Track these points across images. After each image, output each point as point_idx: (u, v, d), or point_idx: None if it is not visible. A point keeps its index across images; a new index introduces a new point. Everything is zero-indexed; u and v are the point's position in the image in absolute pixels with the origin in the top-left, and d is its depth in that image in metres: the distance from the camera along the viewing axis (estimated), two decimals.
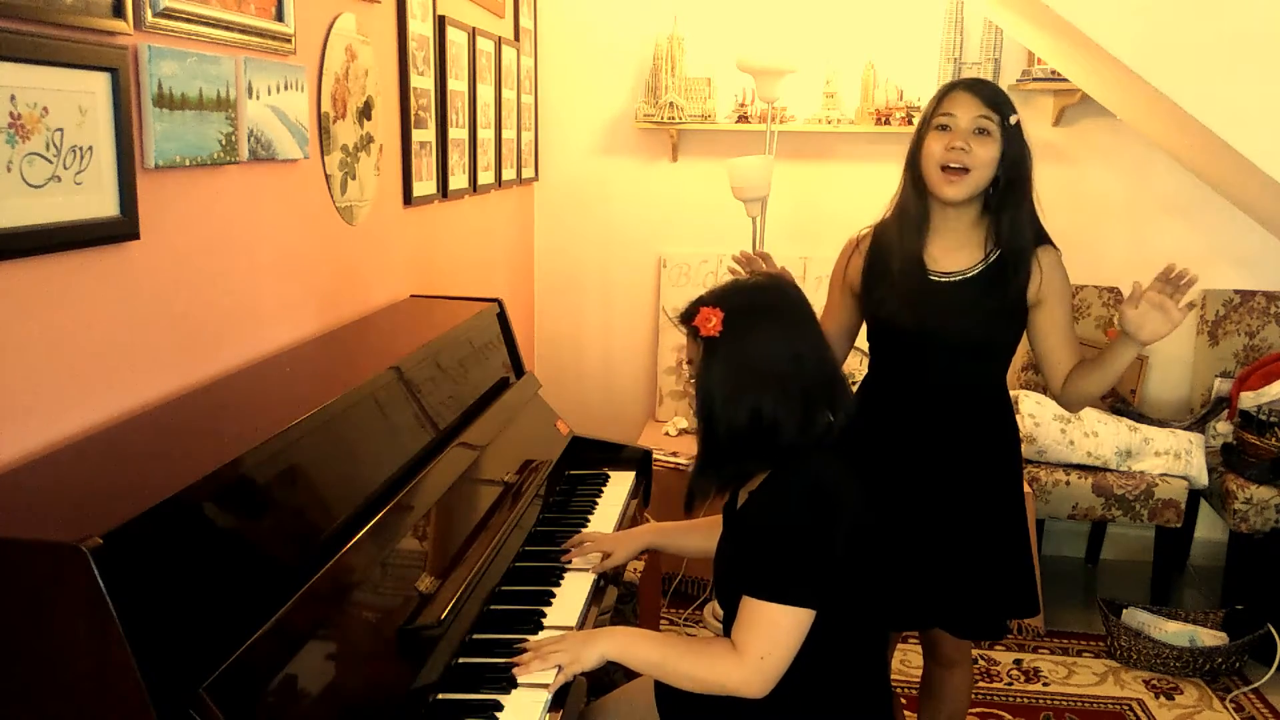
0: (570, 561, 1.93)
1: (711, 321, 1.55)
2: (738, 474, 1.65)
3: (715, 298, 1.59)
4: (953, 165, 1.90)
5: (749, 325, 1.56)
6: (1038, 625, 3.25)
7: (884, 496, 1.84)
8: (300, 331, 2.03)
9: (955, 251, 1.99)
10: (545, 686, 1.49)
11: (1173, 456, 3.39)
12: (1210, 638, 3.09)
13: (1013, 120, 1.92)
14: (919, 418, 2.01)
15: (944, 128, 1.92)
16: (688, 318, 1.60)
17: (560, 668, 1.51)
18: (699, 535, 1.92)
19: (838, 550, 1.51)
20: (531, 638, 1.62)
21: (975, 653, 3.15)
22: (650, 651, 1.56)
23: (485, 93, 3.14)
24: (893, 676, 1.85)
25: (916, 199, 1.99)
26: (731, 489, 1.71)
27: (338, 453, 1.57)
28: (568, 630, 1.67)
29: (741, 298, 1.60)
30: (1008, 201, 1.94)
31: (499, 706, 1.44)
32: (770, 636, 1.48)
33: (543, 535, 2.03)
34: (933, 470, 2.01)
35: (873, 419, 1.96)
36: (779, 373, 1.54)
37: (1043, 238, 2.01)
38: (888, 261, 2.01)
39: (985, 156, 1.90)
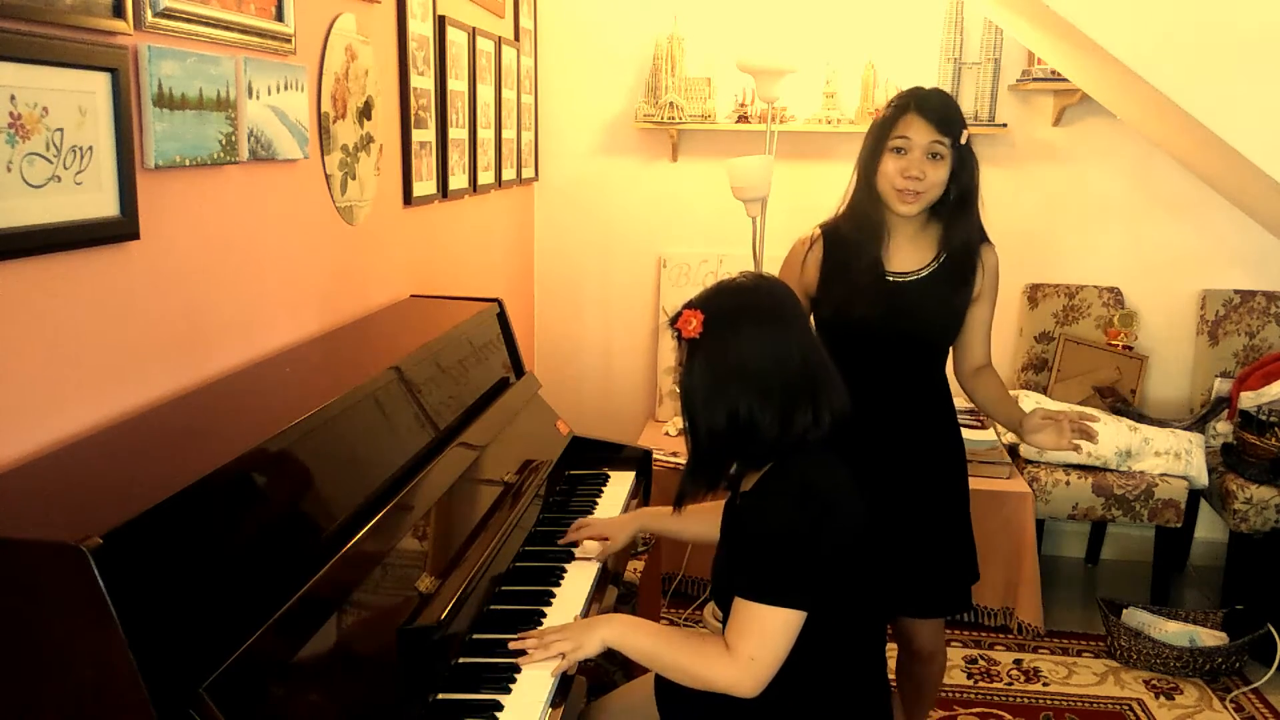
0: (571, 547, 1.95)
1: (692, 324, 1.56)
2: (724, 475, 1.65)
3: (699, 300, 1.60)
4: (908, 189, 2.01)
5: (728, 327, 1.56)
6: (1038, 625, 3.25)
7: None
8: (300, 331, 2.03)
9: (908, 253, 2.10)
10: (549, 674, 1.52)
11: (1173, 456, 3.38)
12: (1210, 638, 3.09)
13: (963, 138, 2.01)
14: (869, 409, 2.02)
15: (899, 150, 2.01)
16: (673, 321, 1.61)
17: (563, 655, 1.53)
18: (694, 520, 1.94)
19: (829, 551, 1.51)
20: (534, 632, 1.62)
21: (975, 653, 3.16)
22: (649, 643, 1.57)
23: (485, 93, 3.14)
24: (890, 677, 1.85)
25: (872, 206, 2.08)
26: (724, 489, 1.71)
27: (338, 453, 1.58)
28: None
29: (724, 300, 1.60)
30: (958, 211, 2.06)
31: (499, 706, 1.45)
32: (760, 637, 1.49)
33: (543, 535, 2.03)
34: (886, 459, 2.09)
35: None
36: (757, 373, 1.54)
37: (984, 237, 2.13)
38: (845, 262, 2.09)
39: (938, 178, 2.01)
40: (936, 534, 2.15)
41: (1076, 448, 2.07)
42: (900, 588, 2.13)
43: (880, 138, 2.04)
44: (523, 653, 1.55)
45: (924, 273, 2.09)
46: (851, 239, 2.09)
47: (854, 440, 1.97)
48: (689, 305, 1.60)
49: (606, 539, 1.98)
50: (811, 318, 2.19)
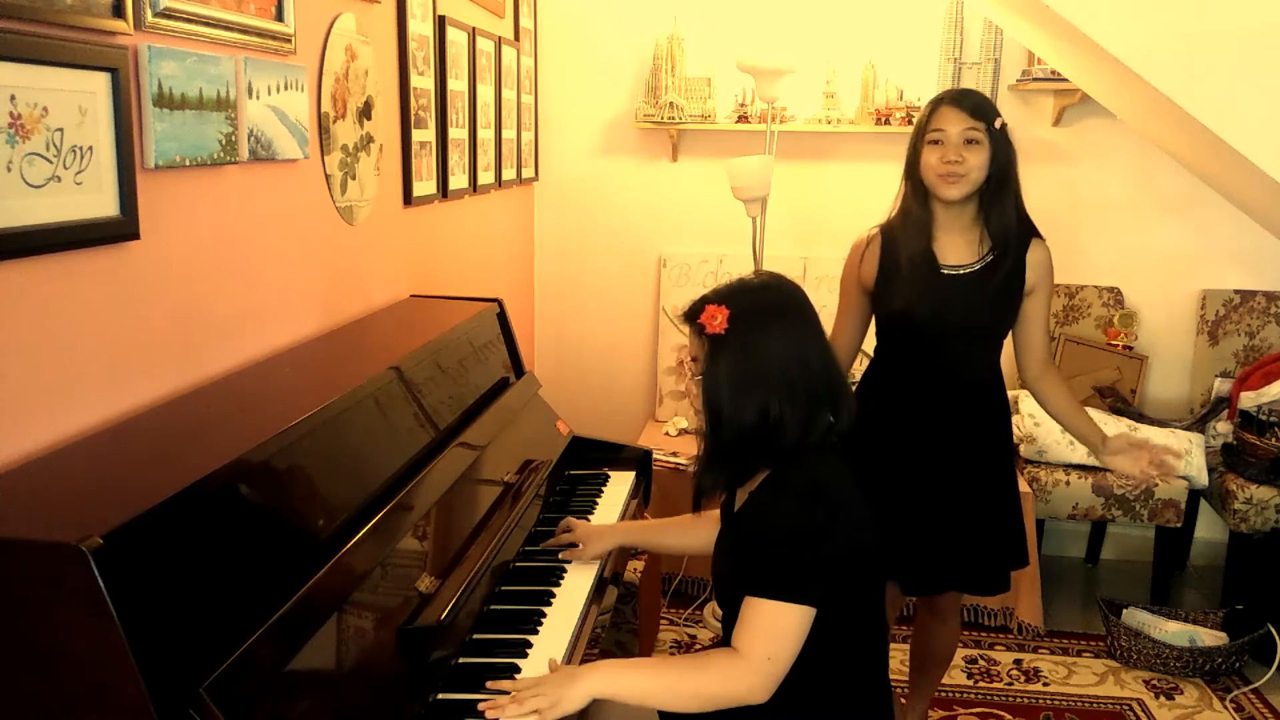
0: (564, 563, 1.94)
1: (718, 319, 1.55)
2: (742, 472, 1.65)
3: (721, 296, 1.59)
4: (949, 174, 2.11)
5: (756, 324, 1.56)
6: (1037, 625, 3.26)
7: (896, 475, 2.18)
8: (300, 331, 2.03)
9: (961, 247, 2.18)
10: None
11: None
12: (1210, 638, 3.09)
13: (998, 124, 2.12)
14: (928, 401, 2.21)
15: (937, 142, 2.13)
16: (693, 315, 1.60)
17: (539, 712, 1.41)
18: (673, 532, 1.95)
19: (839, 548, 1.51)
20: (508, 684, 1.48)
21: (975, 653, 3.16)
22: (644, 679, 1.50)
23: (485, 93, 3.14)
24: (892, 677, 1.86)
25: (919, 203, 2.19)
26: (734, 488, 1.71)
27: (338, 453, 1.57)
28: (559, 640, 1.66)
29: (748, 297, 1.60)
30: (997, 197, 2.15)
31: None
32: (775, 636, 1.47)
33: (543, 535, 2.03)
34: (943, 448, 2.21)
35: (882, 405, 2.20)
36: (786, 372, 1.54)
37: (1033, 231, 2.21)
38: (900, 258, 2.18)
39: (977, 162, 2.11)
40: (979, 520, 2.24)
41: (1152, 479, 2.14)
42: (944, 566, 2.26)
43: (918, 135, 2.17)
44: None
45: (976, 266, 2.17)
46: (903, 236, 2.19)
47: (909, 429, 2.20)
48: (710, 300, 1.59)
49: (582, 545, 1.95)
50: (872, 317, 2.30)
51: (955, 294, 2.15)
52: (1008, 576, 2.33)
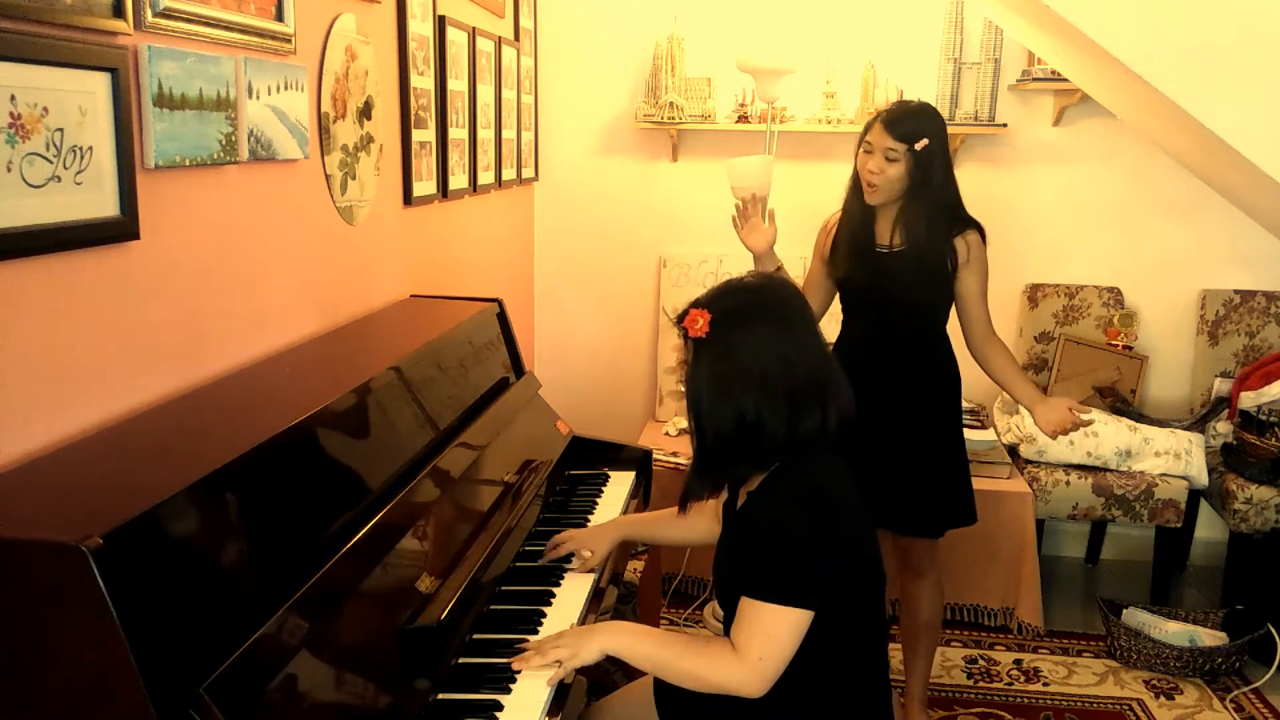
0: (562, 563, 1.93)
1: (699, 323, 1.56)
2: (730, 476, 1.65)
3: (706, 300, 1.60)
4: (868, 181, 2.44)
5: (736, 327, 1.56)
6: (1038, 625, 3.26)
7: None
8: (300, 331, 2.03)
9: (892, 230, 2.49)
10: (545, 681, 1.50)
11: (1173, 456, 3.38)
12: (1210, 638, 3.09)
13: (919, 146, 2.37)
14: (875, 358, 2.49)
15: (867, 150, 2.45)
16: (680, 320, 1.61)
17: (560, 663, 1.52)
18: (673, 525, 1.95)
19: (837, 551, 1.51)
20: (533, 637, 1.63)
21: (975, 653, 3.16)
22: (650, 648, 1.57)
23: (485, 93, 3.14)
24: (891, 677, 1.86)
25: (856, 197, 2.51)
26: (728, 490, 1.71)
27: (338, 453, 1.58)
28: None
29: (731, 299, 1.60)
30: (911, 203, 2.44)
31: (499, 706, 1.45)
32: (768, 637, 1.48)
33: (543, 535, 2.03)
34: (885, 401, 2.46)
35: (844, 363, 2.41)
36: (764, 374, 1.54)
37: (965, 224, 2.47)
38: (843, 237, 2.55)
39: (893, 175, 2.41)
40: (914, 467, 2.51)
41: (1054, 435, 2.45)
42: (895, 507, 2.49)
43: (860, 140, 2.48)
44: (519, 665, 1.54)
45: (900, 247, 2.47)
46: (844, 227, 2.55)
47: (860, 384, 2.41)
48: (695, 304, 1.60)
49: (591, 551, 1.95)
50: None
51: (885, 268, 2.46)
52: (943, 524, 2.57)
